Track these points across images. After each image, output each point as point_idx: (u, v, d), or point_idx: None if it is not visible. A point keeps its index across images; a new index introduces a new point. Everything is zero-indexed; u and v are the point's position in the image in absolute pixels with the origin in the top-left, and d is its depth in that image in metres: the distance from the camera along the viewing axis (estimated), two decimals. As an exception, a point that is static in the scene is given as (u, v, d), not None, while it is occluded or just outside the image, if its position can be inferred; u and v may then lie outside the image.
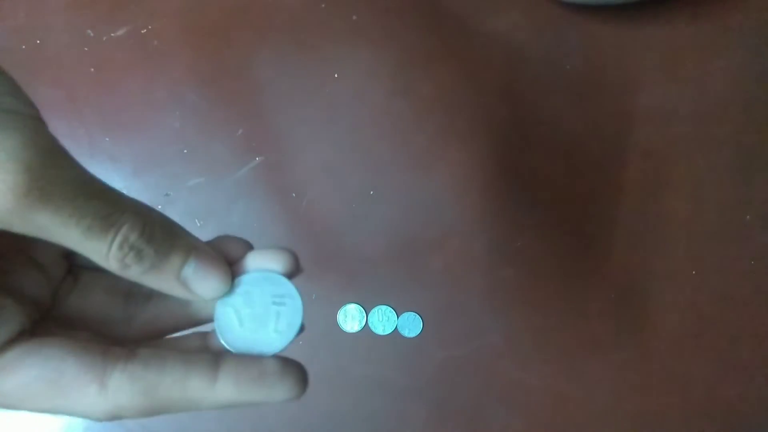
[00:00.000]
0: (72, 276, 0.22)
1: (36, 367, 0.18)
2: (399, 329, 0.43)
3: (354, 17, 0.45)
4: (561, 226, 0.44)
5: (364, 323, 0.43)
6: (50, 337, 0.19)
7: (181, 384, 0.19)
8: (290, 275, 0.22)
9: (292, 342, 0.21)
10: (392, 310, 0.43)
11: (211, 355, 0.20)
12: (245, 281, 0.21)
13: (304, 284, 0.44)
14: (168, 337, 0.23)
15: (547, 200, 0.44)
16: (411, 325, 0.43)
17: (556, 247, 0.44)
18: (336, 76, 0.45)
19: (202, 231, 0.43)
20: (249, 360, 0.20)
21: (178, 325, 0.22)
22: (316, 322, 0.44)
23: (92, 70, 0.45)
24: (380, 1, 0.45)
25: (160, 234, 0.19)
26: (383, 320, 0.43)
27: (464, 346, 0.43)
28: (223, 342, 0.21)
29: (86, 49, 0.45)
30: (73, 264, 0.22)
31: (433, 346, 0.43)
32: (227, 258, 0.21)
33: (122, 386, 0.18)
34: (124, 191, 0.20)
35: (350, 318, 0.43)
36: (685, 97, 0.44)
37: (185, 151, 0.45)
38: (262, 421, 0.43)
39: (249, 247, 0.22)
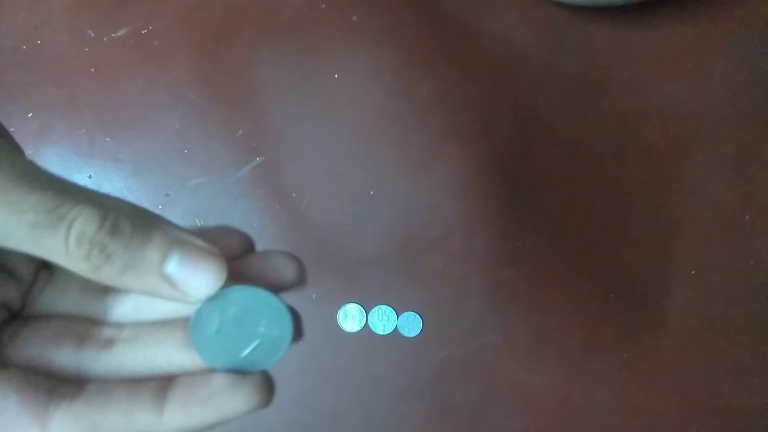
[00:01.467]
0: (48, 270, 0.20)
1: None
2: (399, 329, 0.43)
3: (354, 17, 0.45)
4: (561, 226, 0.44)
5: (364, 323, 0.43)
6: None
7: (126, 419, 0.17)
8: (294, 285, 0.20)
9: (258, 372, 0.20)
10: (392, 310, 0.43)
11: (160, 381, 0.18)
12: (248, 294, 0.19)
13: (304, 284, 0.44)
14: (149, 325, 0.21)
15: (547, 200, 0.44)
16: (411, 324, 0.43)
17: (556, 247, 0.44)
18: (336, 76, 0.45)
19: (203, 231, 0.43)
20: (198, 381, 0.18)
21: (158, 319, 0.21)
22: (316, 322, 0.44)
23: (93, 70, 0.45)
24: (380, 1, 0.45)
25: (129, 227, 0.17)
26: (383, 320, 0.43)
27: (464, 345, 0.43)
28: (191, 340, 0.19)
29: (87, 49, 0.45)
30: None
31: (433, 346, 0.43)
32: (225, 252, 0.19)
33: (64, 428, 0.17)
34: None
35: (350, 318, 0.43)
36: (685, 97, 0.44)
37: (185, 151, 0.45)
38: (262, 420, 0.43)
39: (250, 243, 0.21)
